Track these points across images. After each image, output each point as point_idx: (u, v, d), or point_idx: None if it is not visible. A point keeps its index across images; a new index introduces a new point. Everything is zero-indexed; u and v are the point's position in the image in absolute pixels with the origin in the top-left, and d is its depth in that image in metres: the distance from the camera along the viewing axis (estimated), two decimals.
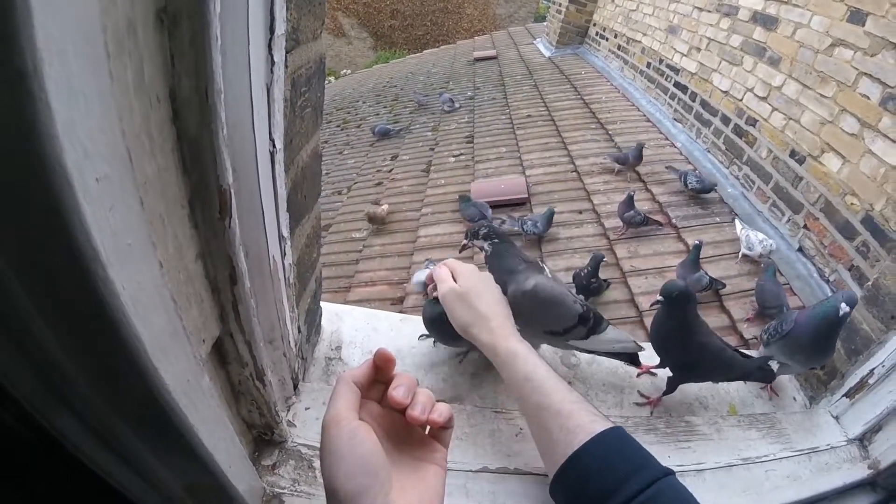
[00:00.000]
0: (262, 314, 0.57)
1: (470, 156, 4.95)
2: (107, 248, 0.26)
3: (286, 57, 0.53)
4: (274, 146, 0.53)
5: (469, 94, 6.89)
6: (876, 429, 1.09)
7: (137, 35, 0.33)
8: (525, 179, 4.12)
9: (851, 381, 1.13)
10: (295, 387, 0.78)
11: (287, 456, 0.68)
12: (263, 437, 0.67)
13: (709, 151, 4.10)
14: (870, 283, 1.15)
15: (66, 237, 0.25)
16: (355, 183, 5.32)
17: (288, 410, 0.74)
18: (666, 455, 0.93)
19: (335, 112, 8.91)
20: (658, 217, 3.40)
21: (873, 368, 1.09)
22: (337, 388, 0.49)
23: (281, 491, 0.63)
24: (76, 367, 0.31)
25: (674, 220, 3.40)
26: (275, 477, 0.65)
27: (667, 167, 3.85)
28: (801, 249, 3.01)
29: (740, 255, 2.99)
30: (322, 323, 1.01)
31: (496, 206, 3.80)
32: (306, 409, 0.76)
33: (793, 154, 3.17)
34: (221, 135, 0.42)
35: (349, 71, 14.52)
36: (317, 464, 0.67)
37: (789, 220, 3.14)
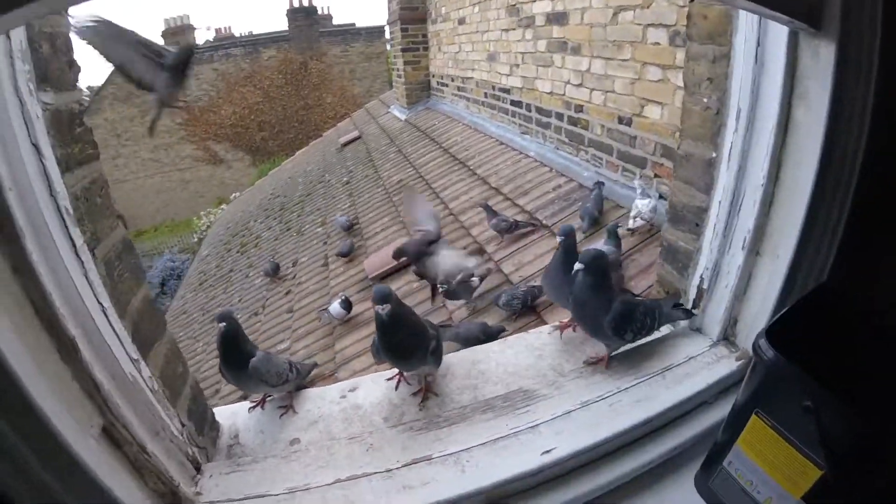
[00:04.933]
0: (138, 410, 0.90)
1: (360, 237, 5.35)
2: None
3: (93, 252, 0.88)
4: (103, 306, 0.87)
5: (345, 179, 7.38)
6: (732, 322, 1.29)
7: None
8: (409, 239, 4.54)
9: (692, 294, 1.34)
10: (198, 469, 1.09)
11: None
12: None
13: (558, 149, 4.63)
14: (666, 203, 1.40)
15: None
16: (268, 300, 5.58)
17: (196, 485, 1.05)
18: (504, 424, 1.16)
19: (232, 239, 9.20)
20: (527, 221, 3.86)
21: (701, 274, 1.30)
22: None
23: None
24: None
25: (544, 221, 3.85)
26: None
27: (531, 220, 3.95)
28: (661, 196, 3.27)
29: (627, 229, 3.17)
30: (218, 420, 1.32)
31: (389, 273, 4.19)
32: (210, 477, 1.07)
33: (620, 120, 3.64)
34: (60, 309, 0.76)
35: (238, 193, 14.89)
36: None
37: (640, 176, 3.51)
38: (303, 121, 19.87)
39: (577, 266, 1.22)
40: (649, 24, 3.17)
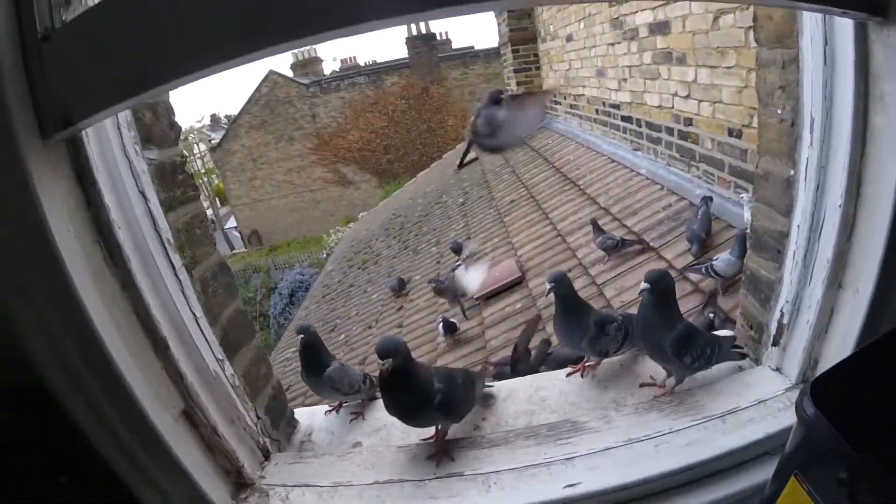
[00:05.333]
0: (217, 400, 1.12)
1: (470, 253, 5.56)
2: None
3: (190, 273, 1.12)
4: (195, 315, 1.10)
5: (460, 200, 7.67)
6: (813, 363, 1.17)
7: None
8: (516, 260, 4.66)
9: (773, 329, 1.25)
10: (267, 456, 1.30)
11: (254, 491, 1.18)
12: (240, 482, 1.18)
13: (669, 165, 4.49)
14: (748, 230, 1.32)
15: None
16: (381, 314, 5.96)
17: (262, 469, 1.26)
18: (542, 452, 1.18)
19: (354, 256, 9.89)
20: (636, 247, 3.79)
21: (782, 308, 1.20)
22: None
23: None
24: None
25: (651, 243, 3.78)
26: (244, 503, 1.15)
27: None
28: None
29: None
30: (297, 419, 1.53)
31: (495, 293, 4.33)
32: (276, 465, 1.28)
33: (730, 132, 3.46)
34: (157, 316, 0.99)
35: (365, 213, 16.00)
36: (275, 496, 1.17)
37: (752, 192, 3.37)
38: (426, 143, 20.90)
39: (643, 286, 1.25)
40: (750, 27, 2.98)
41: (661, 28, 4.19)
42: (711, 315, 2.65)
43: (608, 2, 4.81)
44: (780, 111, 1.13)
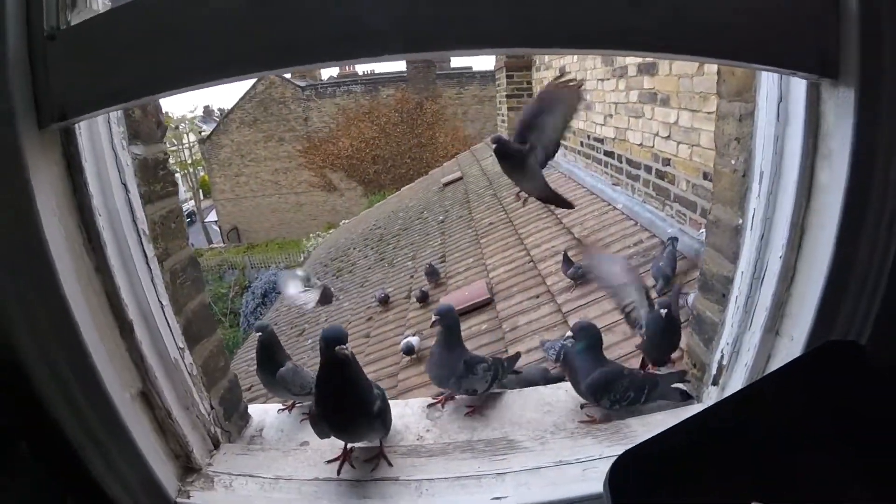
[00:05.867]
0: (174, 386, 1.19)
1: (444, 273, 5.65)
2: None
3: (161, 263, 1.20)
4: (161, 303, 1.18)
5: (441, 218, 7.78)
6: None
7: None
8: (487, 282, 4.77)
9: (713, 369, 1.31)
10: (217, 445, 1.37)
11: (200, 476, 1.25)
12: (188, 466, 1.25)
13: (645, 202, 4.64)
14: (698, 272, 1.38)
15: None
16: (350, 323, 6.01)
17: (210, 457, 1.32)
18: (476, 466, 1.25)
19: (331, 263, 9.91)
20: None
21: (723, 349, 1.27)
22: None
23: (190, 489, 1.21)
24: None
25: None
26: (189, 486, 1.22)
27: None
28: None
29: None
30: (250, 413, 1.60)
31: (463, 312, 4.41)
32: (224, 454, 1.35)
33: (705, 176, 3.59)
34: (125, 300, 1.07)
35: (347, 220, 16.05)
36: (219, 483, 1.24)
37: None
38: (415, 157, 21.12)
39: (567, 335, 1.40)
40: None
41: (648, 69, 4.35)
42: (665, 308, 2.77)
43: (603, 55, 4.98)
44: (733, 161, 1.19)
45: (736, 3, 0.81)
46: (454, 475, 1.23)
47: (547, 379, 2.97)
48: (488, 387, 1.53)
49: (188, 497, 1.18)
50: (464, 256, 5.82)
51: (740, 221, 1.18)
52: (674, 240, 3.61)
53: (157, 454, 1.14)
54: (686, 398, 1.42)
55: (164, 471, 1.15)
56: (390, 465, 1.29)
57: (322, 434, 1.26)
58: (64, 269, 0.93)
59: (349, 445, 1.31)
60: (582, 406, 1.50)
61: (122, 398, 1.03)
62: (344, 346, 1.09)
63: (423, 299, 5.10)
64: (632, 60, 4.60)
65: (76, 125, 0.96)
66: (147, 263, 1.15)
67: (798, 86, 0.97)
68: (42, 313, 0.93)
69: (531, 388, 1.75)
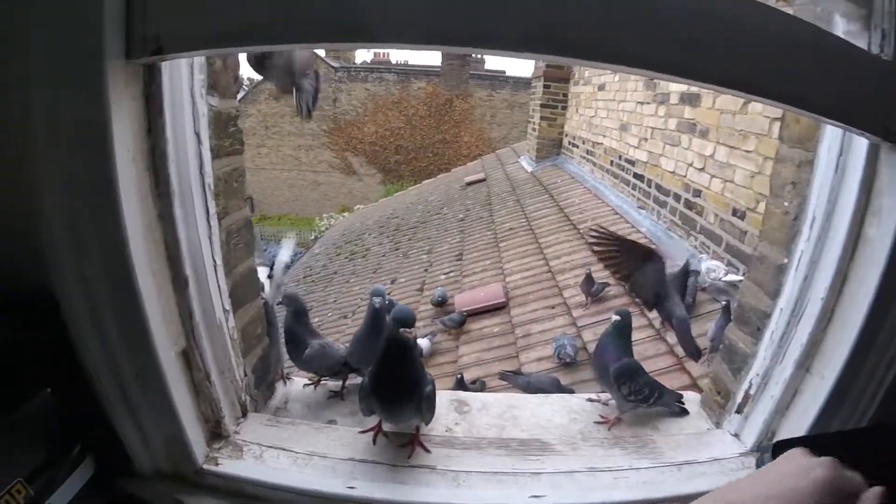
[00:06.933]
0: (214, 347, 1.14)
1: (459, 272, 5.61)
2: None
3: (220, 221, 1.14)
4: (215, 262, 1.12)
5: (461, 216, 7.72)
6: (769, 436, 1.25)
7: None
8: (503, 285, 4.71)
9: (739, 398, 1.33)
10: (245, 413, 1.31)
11: (228, 444, 1.19)
12: (215, 431, 1.19)
13: (669, 230, 4.63)
14: (735, 304, 1.40)
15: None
16: (359, 307, 5.97)
17: (237, 424, 1.27)
18: (511, 463, 1.24)
19: (344, 245, 9.87)
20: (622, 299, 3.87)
21: (751, 380, 1.28)
22: None
23: (218, 456, 1.15)
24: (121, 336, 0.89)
25: (636, 300, 3.86)
26: (217, 453, 1.16)
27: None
28: None
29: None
30: (276, 385, 1.55)
31: (476, 312, 4.37)
32: (251, 423, 1.29)
33: (734, 212, 3.60)
34: (184, 254, 1.02)
35: (362, 206, 16.02)
36: (249, 453, 1.18)
37: (745, 273, 3.46)
38: (437, 153, 21.01)
39: (614, 317, 1.46)
40: (776, 118, 3.12)
41: (691, 100, 4.32)
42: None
43: (641, 76, 4.90)
44: (786, 204, 1.21)
45: (813, 59, 0.84)
46: (490, 470, 1.21)
47: (559, 388, 2.94)
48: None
49: (216, 464, 1.12)
50: (481, 257, 5.77)
51: (785, 261, 1.20)
52: (695, 272, 3.56)
53: (191, 417, 1.09)
54: (684, 413, 1.49)
55: (194, 434, 1.10)
56: (427, 451, 1.26)
57: (366, 410, 1.23)
58: (129, 209, 0.87)
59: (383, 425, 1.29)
60: (589, 399, 1.57)
61: (168, 355, 0.98)
62: (409, 329, 1.10)
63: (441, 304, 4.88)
64: (675, 88, 4.56)
65: (163, 64, 0.91)
66: (207, 219, 1.09)
67: (859, 143, 1.01)
68: (95, 248, 0.88)
69: (558, 395, 1.76)
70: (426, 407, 1.20)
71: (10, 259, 0.93)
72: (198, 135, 1.03)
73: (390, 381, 1.17)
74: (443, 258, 6.37)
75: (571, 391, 2.99)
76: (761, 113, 3.32)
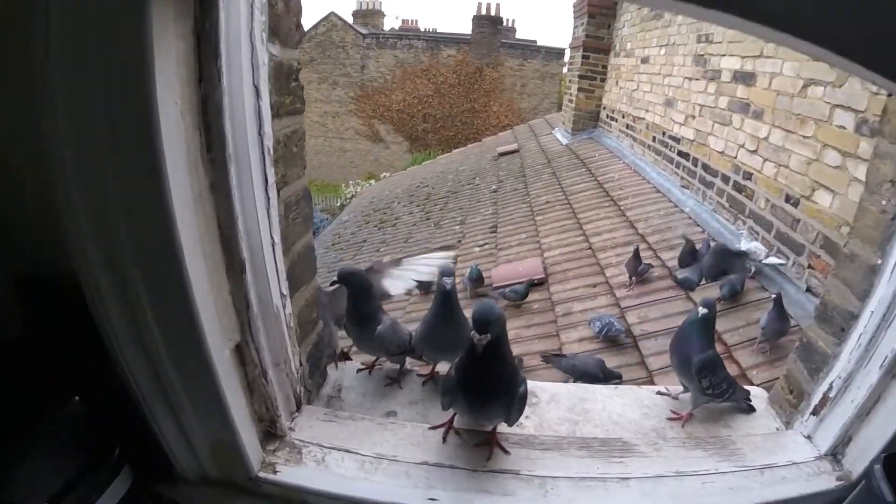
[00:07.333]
0: (270, 339, 0.98)
1: (493, 244, 5.42)
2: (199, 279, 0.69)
3: (278, 192, 0.97)
4: (273, 240, 0.96)
5: (493, 188, 7.49)
6: (846, 440, 1.19)
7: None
8: (542, 260, 4.51)
9: (815, 399, 1.26)
10: (299, 407, 1.16)
11: (284, 445, 1.05)
12: (270, 431, 1.04)
13: (715, 212, 4.37)
14: (818, 301, 1.34)
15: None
16: None
17: (292, 420, 1.12)
18: (595, 467, 1.14)
19: (373, 213, 9.73)
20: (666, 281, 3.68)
21: (832, 382, 1.21)
22: None
23: (276, 462, 1.01)
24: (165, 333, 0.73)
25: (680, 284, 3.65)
26: (273, 457, 1.02)
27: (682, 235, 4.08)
28: (809, 290, 3.10)
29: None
30: (327, 370, 1.40)
31: (513, 285, 4.19)
32: (307, 419, 1.14)
33: (787, 199, 3.38)
34: (241, 232, 0.85)
35: (388, 174, 15.85)
36: (308, 456, 1.04)
37: (794, 262, 3.26)
38: (466, 122, 20.55)
39: (701, 310, 1.38)
40: (838, 105, 2.89)
41: (745, 78, 4.03)
42: None
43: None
44: (884, 202, 1.13)
45: None
46: (577, 475, 1.12)
47: (606, 374, 2.79)
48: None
49: (274, 472, 0.97)
50: (516, 231, 5.56)
51: (879, 262, 1.13)
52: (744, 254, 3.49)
53: (244, 418, 0.94)
54: (751, 410, 1.45)
55: (248, 438, 0.95)
56: (507, 452, 1.14)
57: (447, 404, 1.11)
58: (176, 177, 0.70)
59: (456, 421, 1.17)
60: (658, 392, 1.52)
61: (221, 353, 0.82)
62: (482, 336, 0.92)
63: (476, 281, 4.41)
64: (728, 65, 4.28)
65: None
66: (266, 190, 0.91)
67: None
68: (131, 226, 0.71)
69: (628, 387, 1.66)
70: (517, 408, 1.07)
71: (25, 236, 0.77)
72: (257, 88, 0.85)
73: (482, 376, 1.02)
74: (476, 229, 6.17)
75: (619, 375, 2.85)
76: (821, 98, 3.07)
